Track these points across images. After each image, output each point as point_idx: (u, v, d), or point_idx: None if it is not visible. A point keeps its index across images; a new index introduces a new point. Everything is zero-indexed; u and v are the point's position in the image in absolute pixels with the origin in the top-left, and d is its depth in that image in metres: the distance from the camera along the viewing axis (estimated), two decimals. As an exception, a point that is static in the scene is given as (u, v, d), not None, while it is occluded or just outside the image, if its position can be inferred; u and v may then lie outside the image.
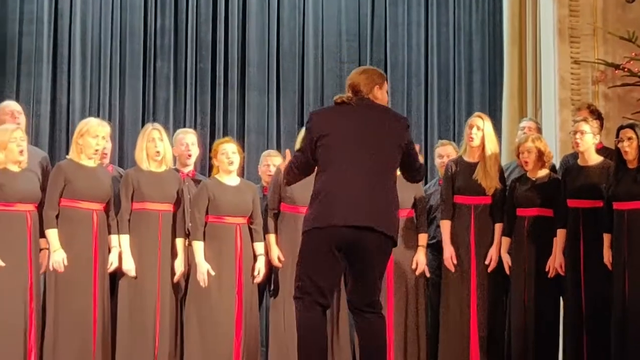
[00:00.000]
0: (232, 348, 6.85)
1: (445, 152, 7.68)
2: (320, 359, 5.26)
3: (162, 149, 6.86)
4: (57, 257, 6.48)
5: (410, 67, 9.78)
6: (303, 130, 5.68)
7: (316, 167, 5.26)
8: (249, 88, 9.49)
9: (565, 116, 8.11)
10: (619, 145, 6.51)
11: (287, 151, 5.63)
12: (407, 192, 7.07)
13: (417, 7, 9.84)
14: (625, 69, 8.18)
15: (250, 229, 7.05)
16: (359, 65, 9.56)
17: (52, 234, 6.55)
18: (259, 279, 7.02)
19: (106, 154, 7.12)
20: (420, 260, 7.16)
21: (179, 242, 6.93)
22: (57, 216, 6.62)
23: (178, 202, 6.96)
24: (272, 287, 7.22)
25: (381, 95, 5.33)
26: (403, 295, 7.16)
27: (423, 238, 7.24)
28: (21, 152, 6.46)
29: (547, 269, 6.87)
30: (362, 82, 5.27)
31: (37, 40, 8.79)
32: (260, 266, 6.98)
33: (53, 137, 8.74)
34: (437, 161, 7.82)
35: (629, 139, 6.46)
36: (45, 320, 6.58)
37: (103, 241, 6.73)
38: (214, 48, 9.47)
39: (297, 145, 6.20)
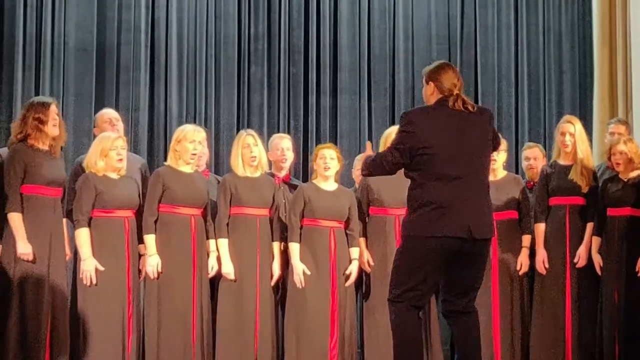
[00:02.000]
0: (327, 349, 6.86)
1: (532, 155, 7.69)
2: None
3: (257, 154, 6.90)
4: (152, 262, 6.59)
5: (501, 69, 9.70)
6: (394, 129, 5.60)
7: (414, 172, 5.17)
8: (341, 92, 9.44)
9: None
10: None
11: (369, 143, 5.67)
12: (512, 193, 7.25)
13: (507, 10, 9.76)
14: None
15: (346, 234, 7.04)
16: None
17: (150, 239, 6.63)
18: (350, 282, 6.97)
19: (202, 157, 7.19)
20: (523, 261, 7.14)
21: (276, 246, 6.95)
22: (156, 222, 6.67)
23: (274, 206, 6.97)
24: (364, 290, 7.21)
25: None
26: (508, 295, 7.14)
27: (527, 239, 7.20)
28: (120, 160, 6.55)
29: (637, 269, 6.77)
30: (456, 81, 5.23)
31: (135, 49, 8.86)
32: (353, 269, 6.96)
33: (151, 144, 8.82)
34: (524, 164, 7.81)
35: None
36: (144, 325, 6.67)
37: (201, 246, 6.79)
38: (306, 52, 9.45)
39: (383, 142, 6.06)
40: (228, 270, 6.76)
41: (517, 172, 8.78)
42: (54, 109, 6.38)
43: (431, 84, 5.23)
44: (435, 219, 5.06)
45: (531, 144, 8.02)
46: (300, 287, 6.84)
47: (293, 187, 7.33)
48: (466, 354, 5.23)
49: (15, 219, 6.21)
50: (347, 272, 6.96)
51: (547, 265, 7.02)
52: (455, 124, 5.16)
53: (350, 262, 7.00)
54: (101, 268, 6.41)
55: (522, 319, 7.15)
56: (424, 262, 5.11)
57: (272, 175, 7.22)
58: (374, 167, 5.36)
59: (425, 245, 5.09)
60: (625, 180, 6.94)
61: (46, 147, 6.35)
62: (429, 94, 5.27)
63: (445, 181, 5.09)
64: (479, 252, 5.24)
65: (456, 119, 5.16)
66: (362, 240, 7.08)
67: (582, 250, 6.94)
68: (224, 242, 6.82)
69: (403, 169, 5.25)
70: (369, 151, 5.61)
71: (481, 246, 5.21)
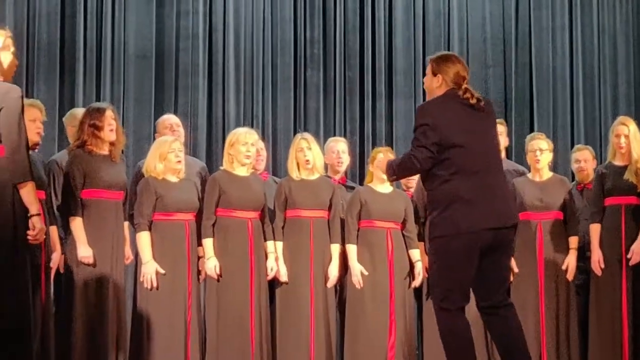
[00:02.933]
0: (385, 350, 6.85)
1: (582, 157, 7.64)
2: None
3: (311, 157, 6.91)
4: (210, 265, 6.60)
5: (556, 70, 9.62)
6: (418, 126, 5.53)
7: (438, 168, 5.10)
8: (396, 96, 9.46)
9: None
10: None
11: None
12: (558, 194, 7.17)
13: (561, 11, 9.70)
14: None
15: (403, 236, 7.02)
16: (504, 69, 9.54)
17: (208, 242, 6.66)
18: (416, 283, 7.00)
19: (262, 160, 7.28)
20: (571, 262, 7.06)
21: (334, 248, 6.94)
22: (213, 225, 6.69)
23: (331, 209, 6.96)
24: (425, 291, 7.16)
25: None
26: (554, 296, 7.06)
27: (574, 241, 7.11)
28: (179, 162, 6.58)
29: None
30: (465, 73, 5.20)
31: (193, 55, 8.92)
32: (419, 271, 6.95)
33: (210, 148, 8.89)
34: (574, 166, 7.75)
35: None
36: (206, 327, 6.72)
37: (259, 248, 6.81)
38: (362, 57, 9.49)
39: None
40: (281, 272, 6.80)
41: (572, 174, 8.73)
42: (109, 114, 6.42)
43: (439, 76, 5.16)
44: (467, 214, 5.02)
45: (581, 146, 7.99)
46: (359, 287, 6.83)
47: (349, 190, 7.35)
48: (513, 346, 5.13)
49: (76, 224, 6.26)
50: (416, 272, 6.97)
51: (602, 266, 6.93)
52: (469, 116, 5.13)
53: (411, 264, 7.00)
54: (162, 271, 6.46)
55: (567, 321, 7.08)
56: (463, 260, 5.06)
57: (329, 177, 7.23)
58: (402, 169, 5.31)
59: (462, 243, 5.03)
60: None
61: (105, 152, 6.38)
62: (436, 86, 5.17)
63: (469, 174, 5.04)
64: (509, 241, 5.21)
65: (469, 111, 5.13)
66: (421, 244, 7.06)
67: (636, 247, 6.84)
68: (279, 245, 6.85)
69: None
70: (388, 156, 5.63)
71: (510, 234, 5.19)
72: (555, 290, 7.06)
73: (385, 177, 6.12)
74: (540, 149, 7.20)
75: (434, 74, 5.17)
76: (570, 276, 7.07)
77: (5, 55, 4.82)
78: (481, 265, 5.08)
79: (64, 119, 7.15)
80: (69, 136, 6.84)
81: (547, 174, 7.23)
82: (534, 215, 7.08)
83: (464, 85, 5.12)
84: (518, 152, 8.31)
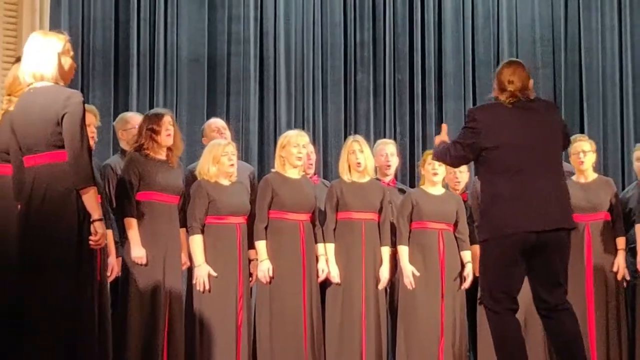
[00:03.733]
0: (437, 351, 6.85)
1: None
2: None
3: (362, 160, 6.91)
4: (263, 268, 6.65)
5: (605, 71, 9.55)
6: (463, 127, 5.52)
7: (481, 168, 5.24)
8: (446, 98, 9.45)
9: None
10: None
11: (444, 126, 5.73)
12: (603, 195, 7.16)
13: (611, 12, 9.61)
14: None
15: (455, 237, 7.01)
16: (554, 70, 9.48)
17: (261, 245, 6.68)
18: (466, 285, 6.97)
19: (311, 164, 7.25)
20: (620, 263, 7.01)
21: (384, 251, 6.93)
22: (266, 228, 6.71)
23: (381, 212, 6.96)
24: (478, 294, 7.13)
25: (531, 86, 5.33)
26: (603, 298, 7.04)
27: (621, 241, 7.08)
28: (232, 165, 6.62)
29: None
30: (525, 79, 5.24)
31: (244, 60, 8.97)
32: (469, 272, 6.94)
33: (262, 152, 8.94)
34: (636, 165, 7.61)
35: None
36: (256, 329, 6.73)
37: (310, 250, 6.85)
38: (411, 59, 9.49)
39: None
40: (333, 274, 6.78)
41: (622, 174, 8.64)
42: (167, 119, 6.45)
43: (495, 80, 5.28)
44: (506, 217, 5.06)
45: None
46: (411, 288, 6.83)
47: (399, 192, 7.37)
48: (568, 351, 5.13)
49: (130, 224, 6.30)
50: (465, 274, 6.96)
51: None
52: (516, 117, 5.16)
53: (462, 265, 7.00)
54: (214, 274, 6.49)
55: (618, 323, 7.06)
56: (507, 261, 5.08)
57: (379, 180, 7.24)
58: (440, 155, 5.49)
59: (504, 244, 5.07)
60: None
61: (162, 157, 6.42)
62: (496, 92, 5.28)
63: (510, 174, 5.07)
64: (559, 243, 5.17)
65: (518, 112, 5.17)
66: (474, 247, 6.94)
67: None
68: (330, 247, 6.84)
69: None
70: (444, 134, 5.59)
71: (559, 236, 5.15)
72: (605, 292, 7.04)
73: (435, 179, 6.61)
74: (584, 150, 7.19)
75: (494, 79, 5.32)
76: (620, 276, 7.02)
77: (65, 59, 4.84)
78: (531, 267, 5.12)
79: (114, 123, 7.26)
80: (120, 140, 6.94)
81: (592, 175, 7.22)
82: (581, 217, 6.91)
83: (509, 89, 5.16)
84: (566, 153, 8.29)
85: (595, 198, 7.10)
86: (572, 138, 7.24)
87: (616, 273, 7.01)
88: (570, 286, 6.77)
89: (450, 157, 5.34)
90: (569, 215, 5.33)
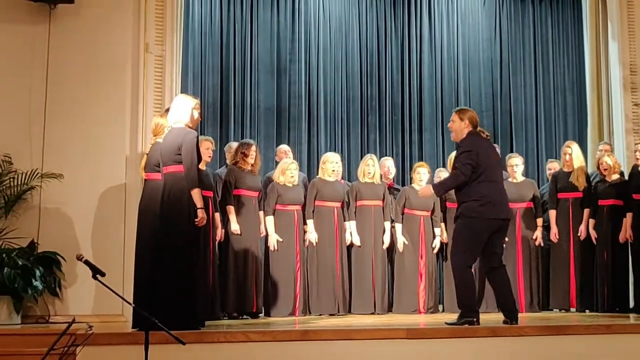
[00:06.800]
0: (417, 289, 6.78)
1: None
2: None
3: (372, 170, 6.84)
4: (312, 237, 6.60)
5: (526, 114, 9.23)
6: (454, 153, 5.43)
7: (473, 177, 5.00)
8: (424, 131, 9.05)
9: (629, 140, 7.73)
10: None
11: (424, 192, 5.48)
12: (528, 191, 7.02)
13: (529, 75, 9.26)
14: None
15: (432, 219, 6.94)
16: (493, 114, 9.25)
17: (310, 223, 6.62)
18: (436, 250, 6.88)
19: (339, 172, 6.99)
20: (538, 235, 6.95)
21: (386, 225, 6.78)
22: (313, 212, 6.68)
23: (384, 200, 6.82)
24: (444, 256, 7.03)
25: None
26: (528, 258, 6.97)
27: (539, 221, 7.00)
28: (292, 176, 6.65)
29: (620, 239, 6.62)
30: (477, 116, 5.16)
31: (298, 108, 8.69)
32: (437, 243, 6.86)
33: (310, 165, 8.60)
34: (548, 173, 7.49)
35: None
36: (308, 278, 6.64)
37: (340, 226, 6.74)
38: (402, 106, 8.99)
39: (449, 162, 5.78)
40: (355, 241, 6.69)
41: (538, 178, 8.48)
42: (253, 148, 6.48)
43: (465, 120, 5.07)
44: (490, 207, 4.95)
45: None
46: (401, 251, 6.81)
47: (395, 190, 7.24)
48: (505, 294, 5.09)
49: (229, 210, 6.28)
50: (435, 243, 6.89)
51: (557, 237, 6.85)
52: (488, 147, 5.14)
53: (434, 236, 6.93)
54: (280, 239, 6.52)
55: (537, 275, 6.96)
56: (483, 236, 4.99)
57: (382, 182, 7.08)
58: (451, 184, 5.12)
59: (485, 225, 4.97)
60: (610, 181, 6.78)
61: (249, 168, 6.45)
62: (463, 127, 5.07)
63: (490, 183, 5.00)
64: (506, 228, 5.16)
65: (487, 143, 5.13)
66: (442, 225, 6.95)
67: (582, 228, 6.76)
68: (353, 224, 6.72)
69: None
70: (427, 191, 5.36)
71: (507, 223, 5.13)
72: (529, 254, 6.96)
73: (425, 192, 5.59)
74: (516, 164, 7.11)
75: (461, 119, 5.09)
76: (537, 243, 6.96)
77: (195, 113, 4.92)
78: (489, 242, 5.03)
79: (225, 147, 7.18)
80: (227, 158, 6.88)
81: (520, 178, 7.12)
82: (514, 205, 6.77)
83: (478, 128, 5.10)
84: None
85: (523, 193, 7.01)
86: (508, 155, 7.37)
87: (535, 241, 6.97)
88: (507, 251, 6.82)
89: (464, 174, 4.94)
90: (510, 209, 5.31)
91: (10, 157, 5.98)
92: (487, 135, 5.20)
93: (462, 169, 4.95)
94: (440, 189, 5.29)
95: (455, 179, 5.03)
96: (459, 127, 5.10)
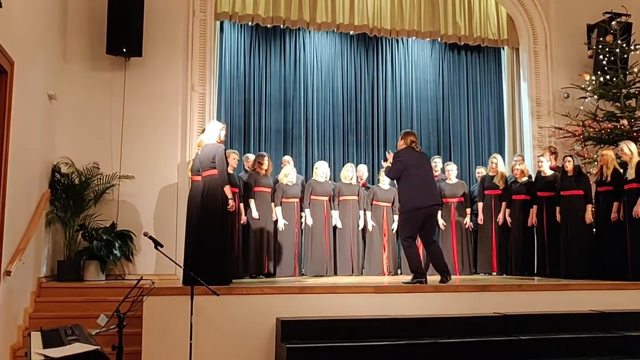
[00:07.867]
0: (381, 259, 6.70)
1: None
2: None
3: (350, 174, 6.77)
4: (308, 222, 6.42)
5: (462, 134, 8.54)
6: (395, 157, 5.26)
7: (403, 176, 5.05)
8: (388, 147, 8.07)
9: (535, 153, 7.83)
10: (564, 164, 6.30)
11: (390, 154, 5.32)
12: (460, 189, 6.95)
13: (467, 104, 8.52)
14: (564, 130, 7.82)
15: (392, 209, 6.82)
16: (437, 134, 8.68)
17: (307, 212, 6.46)
18: (393, 229, 6.69)
19: (327, 174, 6.83)
20: (468, 221, 6.92)
21: (361, 213, 6.68)
22: (309, 204, 6.53)
23: (359, 195, 6.69)
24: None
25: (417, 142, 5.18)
26: (460, 237, 6.93)
27: (469, 211, 6.94)
28: (292, 179, 6.54)
29: (528, 224, 6.46)
30: (416, 139, 5.18)
31: (300, 129, 8.11)
32: (395, 226, 6.65)
33: (307, 171, 7.88)
34: (478, 176, 7.28)
35: (569, 162, 6.23)
36: (304, 249, 6.50)
37: (329, 214, 6.60)
38: (373, 128, 8.35)
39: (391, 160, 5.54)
40: (338, 225, 6.54)
41: (469, 181, 8.21)
42: (266, 158, 6.47)
43: (404, 139, 5.18)
44: (420, 198, 4.99)
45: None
46: (371, 230, 6.63)
47: (367, 188, 7.03)
48: (439, 262, 5.07)
49: (250, 202, 6.26)
50: (393, 226, 6.67)
51: (482, 222, 6.83)
52: (416, 156, 5.16)
53: (394, 221, 6.72)
54: (286, 222, 6.31)
55: (468, 248, 6.90)
56: (417, 220, 5.02)
57: (358, 183, 6.97)
58: (388, 171, 5.20)
59: (418, 211, 5.01)
60: (520, 182, 6.74)
61: (263, 173, 6.42)
62: (402, 144, 5.20)
63: (418, 180, 5.03)
64: (436, 213, 5.22)
65: (416, 153, 5.16)
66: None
67: (500, 216, 6.72)
68: (335, 213, 6.55)
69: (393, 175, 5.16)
70: (389, 160, 5.27)
71: (436, 209, 5.15)
72: (461, 235, 6.90)
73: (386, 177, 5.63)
74: (451, 170, 7.03)
75: (402, 139, 5.26)
76: (467, 227, 6.90)
77: (222, 133, 4.95)
78: (423, 224, 5.06)
79: (243, 157, 6.99)
80: (245, 165, 6.78)
81: (454, 180, 7.04)
82: (449, 200, 6.92)
83: (412, 144, 5.16)
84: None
85: (456, 190, 6.95)
86: (445, 163, 7.17)
87: (466, 225, 6.92)
88: (445, 232, 6.86)
89: (393, 172, 5.14)
90: (438, 198, 5.38)
91: (98, 164, 6.31)
92: (419, 149, 5.28)
93: (392, 167, 5.11)
94: (389, 172, 5.25)
95: (388, 171, 5.18)
96: (400, 144, 5.28)
